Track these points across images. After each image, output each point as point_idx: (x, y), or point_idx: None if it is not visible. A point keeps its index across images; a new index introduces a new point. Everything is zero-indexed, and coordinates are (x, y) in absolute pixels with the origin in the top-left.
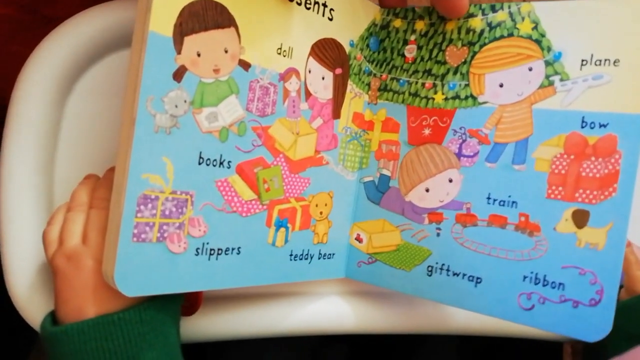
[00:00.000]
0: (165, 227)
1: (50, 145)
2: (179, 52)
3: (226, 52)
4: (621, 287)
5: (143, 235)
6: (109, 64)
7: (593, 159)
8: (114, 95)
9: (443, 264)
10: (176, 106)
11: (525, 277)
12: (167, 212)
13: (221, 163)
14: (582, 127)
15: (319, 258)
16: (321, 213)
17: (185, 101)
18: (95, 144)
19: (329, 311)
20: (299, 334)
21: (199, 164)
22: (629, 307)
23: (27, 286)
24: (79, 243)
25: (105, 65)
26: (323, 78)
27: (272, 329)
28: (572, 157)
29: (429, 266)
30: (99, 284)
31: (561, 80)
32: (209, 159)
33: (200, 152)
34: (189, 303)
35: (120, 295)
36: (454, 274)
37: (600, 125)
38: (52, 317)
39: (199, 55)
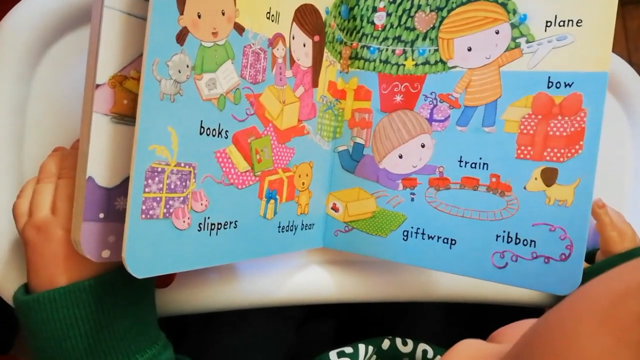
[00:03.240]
0: (171, 202)
1: (19, 121)
2: (181, 13)
3: (223, 14)
4: (597, 249)
5: (151, 212)
6: (76, 37)
7: (560, 117)
8: (83, 69)
9: (418, 228)
10: (179, 71)
11: (498, 237)
12: (172, 186)
13: (220, 133)
14: (549, 87)
15: (302, 229)
16: (303, 184)
17: (187, 66)
18: (65, 118)
19: (312, 281)
20: (281, 305)
21: (200, 134)
22: (605, 267)
23: (2, 262)
24: (48, 214)
25: (72, 39)
26: (304, 45)
27: (252, 300)
28: (539, 117)
29: (404, 231)
30: (69, 253)
31: (527, 42)
32: (209, 128)
33: (202, 121)
34: (164, 275)
35: (91, 263)
36: (429, 237)
37: (566, 85)
38: (26, 290)
39: (199, 16)
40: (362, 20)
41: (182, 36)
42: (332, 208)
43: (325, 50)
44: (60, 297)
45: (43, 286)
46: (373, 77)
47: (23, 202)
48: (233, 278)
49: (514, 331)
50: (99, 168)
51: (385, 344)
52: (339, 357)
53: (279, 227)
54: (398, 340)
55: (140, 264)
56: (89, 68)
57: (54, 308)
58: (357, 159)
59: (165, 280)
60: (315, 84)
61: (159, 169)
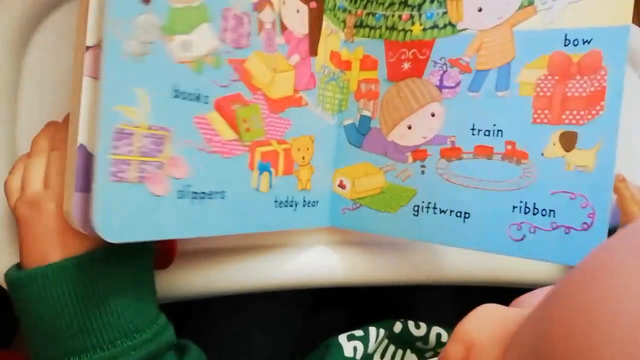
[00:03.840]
0: (143, 166)
1: (11, 98)
2: None
3: None
4: (618, 226)
5: (120, 174)
6: (70, 10)
7: (578, 77)
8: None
9: (429, 202)
10: (146, 32)
11: (514, 207)
12: (145, 150)
13: (198, 97)
14: (565, 46)
15: (304, 205)
16: (303, 158)
17: (155, 27)
18: (58, 95)
19: (317, 264)
20: (285, 288)
21: (175, 97)
22: None
23: None
24: (39, 188)
25: (64, 12)
26: (298, 11)
27: (255, 283)
28: (556, 77)
29: (415, 206)
30: (62, 228)
31: None
32: (184, 92)
33: (175, 84)
34: (163, 254)
35: (85, 238)
36: (441, 211)
37: (584, 42)
38: (19, 268)
39: None
40: None
41: None
42: (339, 185)
43: (325, 17)
44: (53, 274)
45: (36, 263)
46: (379, 45)
47: (14, 177)
48: (235, 260)
49: (538, 297)
50: (91, 135)
51: (397, 326)
52: (348, 340)
53: (276, 201)
54: (410, 323)
55: (112, 227)
56: (79, 30)
57: (47, 285)
58: (364, 132)
59: (164, 261)
60: (313, 52)
61: (128, 131)
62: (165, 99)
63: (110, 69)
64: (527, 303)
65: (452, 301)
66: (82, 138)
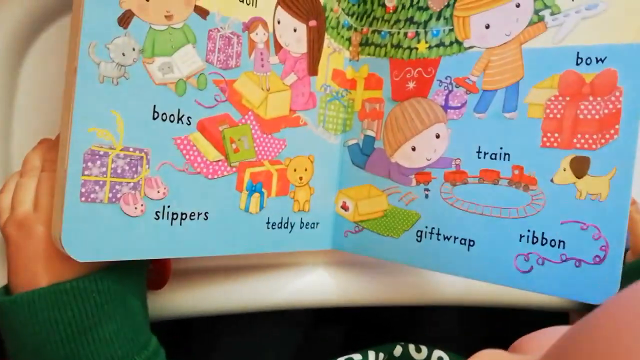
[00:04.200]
0: (118, 187)
1: (6, 113)
2: None
3: None
4: (627, 250)
5: (92, 195)
6: (64, 25)
7: (591, 98)
8: None
9: (433, 228)
10: (123, 54)
11: (521, 237)
12: (119, 171)
13: (179, 119)
14: (578, 64)
15: (302, 227)
16: (301, 179)
17: (133, 49)
18: (53, 110)
19: (315, 284)
20: (283, 308)
21: (154, 118)
22: (637, 269)
23: None
24: (29, 209)
25: (60, 27)
26: (295, 30)
27: (252, 303)
28: (567, 98)
29: (418, 231)
30: (51, 252)
31: (552, 14)
32: (165, 113)
33: (155, 106)
34: (157, 275)
35: (74, 263)
36: (445, 238)
37: (598, 60)
38: (7, 290)
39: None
40: (372, 3)
41: (125, 19)
42: (341, 207)
43: (327, 36)
44: (40, 299)
45: (23, 286)
46: (384, 63)
47: (5, 197)
48: (232, 280)
49: (540, 340)
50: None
51: (397, 350)
52: None
53: (268, 223)
54: (411, 347)
55: (80, 247)
56: (69, 52)
57: (32, 311)
58: (368, 153)
59: (158, 282)
60: (312, 71)
61: (101, 152)
62: (142, 121)
63: (83, 92)
64: (532, 347)
65: (455, 321)
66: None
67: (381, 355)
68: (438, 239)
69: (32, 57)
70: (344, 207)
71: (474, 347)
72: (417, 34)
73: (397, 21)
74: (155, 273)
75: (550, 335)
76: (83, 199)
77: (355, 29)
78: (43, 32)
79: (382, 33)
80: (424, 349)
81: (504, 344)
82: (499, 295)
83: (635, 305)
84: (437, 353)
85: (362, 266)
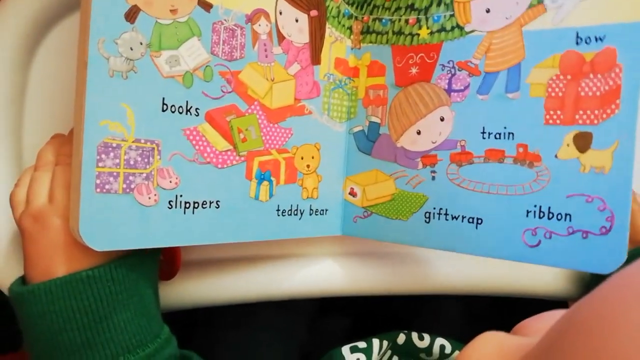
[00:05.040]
0: (131, 178)
1: (17, 109)
2: None
3: None
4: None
5: (107, 186)
6: (76, 21)
7: (591, 76)
8: None
9: (441, 209)
10: (131, 49)
11: (528, 212)
12: (131, 162)
13: (188, 110)
14: (577, 44)
15: (311, 214)
16: (308, 166)
17: (141, 43)
18: (64, 105)
19: (323, 273)
20: (291, 298)
21: (163, 110)
22: (634, 257)
23: (1, 254)
24: (45, 202)
25: (70, 23)
26: (297, 20)
27: (260, 293)
28: (568, 77)
29: (426, 212)
30: (67, 243)
31: None
32: (173, 105)
33: (164, 98)
34: (167, 265)
35: (90, 253)
36: (453, 218)
37: (597, 39)
38: (23, 281)
39: None
40: None
41: (132, 14)
42: (350, 193)
43: (328, 25)
44: (57, 289)
45: (40, 277)
46: (386, 50)
47: (20, 190)
48: (240, 270)
49: (540, 323)
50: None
51: (401, 338)
52: (351, 352)
53: (278, 210)
54: (414, 335)
55: (97, 236)
56: (79, 47)
57: (50, 300)
58: (373, 139)
59: (169, 272)
60: (315, 61)
61: (114, 145)
62: (152, 113)
63: (95, 87)
64: (533, 330)
65: (459, 312)
66: None
67: (385, 342)
68: (446, 219)
69: (42, 54)
70: (352, 193)
71: (476, 335)
72: (418, 20)
73: (398, 8)
74: (165, 264)
75: (551, 318)
76: (98, 190)
77: (356, 18)
78: (53, 29)
79: (383, 21)
80: (427, 337)
81: (506, 331)
82: (502, 282)
83: (633, 283)
84: (440, 341)
85: (369, 256)
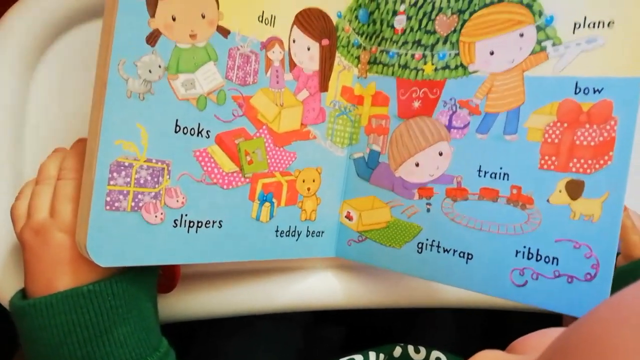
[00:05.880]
0: (140, 197)
1: (19, 121)
2: (152, 15)
3: (203, 17)
4: (618, 254)
5: (117, 204)
6: (78, 34)
7: (587, 126)
8: (84, 67)
9: (433, 240)
10: (150, 71)
11: (517, 252)
12: (142, 181)
13: (199, 132)
14: (576, 94)
15: (307, 235)
16: (309, 189)
17: (159, 66)
18: (66, 118)
19: (319, 286)
20: (288, 311)
21: (176, 132)
22: (627, 272)
23: (1, 266)
24: (46, 216)
25: (73, 36)
26: (308, 49)
27: (259, 305)
28: (565, 125)
29: (419, 243)
30: (68, 257)
31: (553, 45)
32: (186, 127)
33: (177, 120)
34: (166, 279)
35: (90, 268)
36: (445, 250)
37: (595, 91)
38: (23, 294)
39: (174, 19)
40: (382, 24)
41: (153, 38)
42: (346, 216)
43: (338, 54)
44: (58, 303)
45: (40, 291)
46: (391, 82)
47: (21, 204)
48: (238, 283)
49: (537, 341)
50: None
51: (397, 351)
52: None
53: (277, 231)
54: (410, 348)
55: (103, 253)
56: (99, 66)
57: (50, 314)
58: (373, 166)
59: (168, 286)
60: (323, 88)
61: (126, 164)
62: (165, 134)
63: (112, 107)
64: (529, 347)
65: (453, 324)
66: None
67: (381, 355)
68: (438, 251)
69: (44, 66)
70: (348, 217)
71: (472, 348)
72: (424, 56)
73: (405, 43)
74: (165, 277)
75: (547, 336)
76: (108, 207)
77: (365, 48)
78: (56, 40)
79: (390, 53)
80: (423, 349)
81: (501, 346)
82: (493, 299)
83: (629, 306)
84: (435, 354)
85: (366, 269)
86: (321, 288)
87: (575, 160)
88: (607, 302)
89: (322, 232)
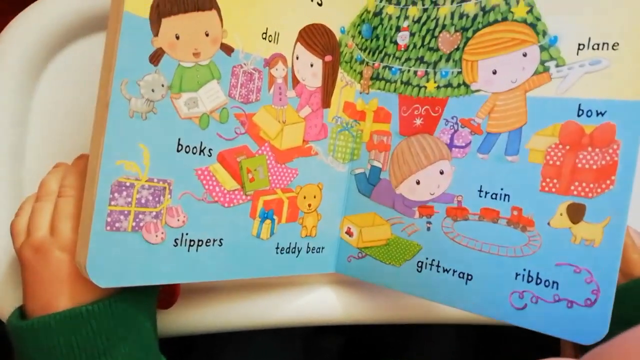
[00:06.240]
0: (141, 216)
1: (20, 134)
2: (155, 35)
3: (207, 35)
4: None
5: (117, 224)
6: (80, 48)
7: (590, 149)
8: (85, 81)
9: (433, 260)
10: (153, 90)
11: (517, 275)
12: (143, 201)
13: (202, 151)
14: (579, 116)
15: (308, 252)
16: (309, 205)
17: (162, 85)
18: (67, 132)
19: (319, 302)
20: (286, 326)
21: (178, 151)
22: (626, 291)
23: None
24: (46, 234)
25: (75, 49)
26: (311, 65)
27: (258, 321)
28: (567, 147)
29: (419, 262)
30: (68, 276)
31: (557, 66)
32: (188, 146)
33: (179, 139)
34: (166, 295)
35: (90, 287)
36: (444, 270)
37: (598, 114)
38: (22, 312)
39: (177, 38)
40: (385, 40)
41: (156, 57)
42: (346, 232)
43: (341, 70)
44: (56, 324)
45: (39, 310)
46: (393, 98)
47: (21, 220)
48: (237, 298)
49: None
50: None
51: None
52: None
53: (277, 248)
54: None
55: (103, 273)
56: (101, 85)
57: (48, 335)
58: (374, 182)
59: (168, 302)
60: (326, 104)
61: (128, 184)
62: (167, 153)
63: (114, 127)
64: None
65: (450, 339)
66: None
67: None
68: (437, 271)
69: (46, 79)
70: (349, 233)
71: None
72: (427, 73)
73: (408, 59)
74: (164, 293)
75: None
76: (108, 228)
77: (367, 64)
78: (57, 55)
79: (393, 69)
80: None
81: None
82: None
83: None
84: None
85: (365, 285)
86: (320, 304)
87: (576, 183)
88: (629, 333)
89: (322, 248)
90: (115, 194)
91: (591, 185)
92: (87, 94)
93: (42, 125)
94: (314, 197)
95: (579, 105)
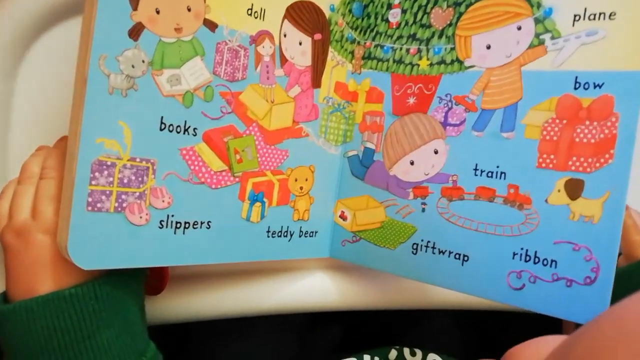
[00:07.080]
0: (123, 197)
1: (3, 119)
2: (134, 8)
3: (189, 10)
4: (619, 254)
5: (99, 205)
6: (62, 30)
7: (587, 122)
8: (69, 64)
9: (429, 241)
10: (133, 66)
11: (515, 254)
12: (125, 181)
13: (186, 130)
14: (576, 89)
15: (300, 236)
16: (301, 188)
17: (143, 61)
18: (51, 116)
19: (314, 287)
20: (280, 313)
21: (161, 129)
22: (629, 273)
23: None
24: (28, 217)
25: (56, 33)
26: (300, 43)
27: (250, 307)
28: (564, 121)
29: (414, 244)
30: (50, 260)
31: (552, 38)
32: (171, 124)
33: (162, 117)
34: (155, 280)
35: (74, 270)
36: (440, 252)
37: (595, 86)
38: (5, 297)
39: (157, 12)
40: (376, 18)
41: (136, 31)
42: (340, 216)
43: (331, 49)
44: (39, 307)
45: (22, 294)
46: (386, 78)
47: (3, 204)
48: (229, 284)
49: (533, 351)
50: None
51: (392, 354)
52: None
53: (268, 231)
54: (406, 350)
55: (85, 255)
56: (79, 62)
57: (31, 318)
58: (367, 164)
59: (157, 288)
60: (316, 84)
61: (109, 163)
62: (150, 132)
63: (93, 103)
64: (523, 358)
65: (450, 325)
66: None
67: (376, 358)
68: (433, 253)
69: (29, 62)
70: (343, 217)
71: (470, 350)
72: (419, 50)
73: (400, 37)
74: (153, 278)
75: (543, 346)
76: (89, 208)
77: (359, 43)
78: (40, 36)
79: (385, 48)
80: (419, 352)
81: (498, 347)
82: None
83: (632, 320)
84: (432, 356)
85: (360, 270)
86: (315, 289)
87: (574, 158)
88: (609, 315)
89: (316, 232)
90: (96, 173)
91: (590, 160)
92: (70, 78)
93: (26, 109)
94: (306, 179)
95: (576, 77)
